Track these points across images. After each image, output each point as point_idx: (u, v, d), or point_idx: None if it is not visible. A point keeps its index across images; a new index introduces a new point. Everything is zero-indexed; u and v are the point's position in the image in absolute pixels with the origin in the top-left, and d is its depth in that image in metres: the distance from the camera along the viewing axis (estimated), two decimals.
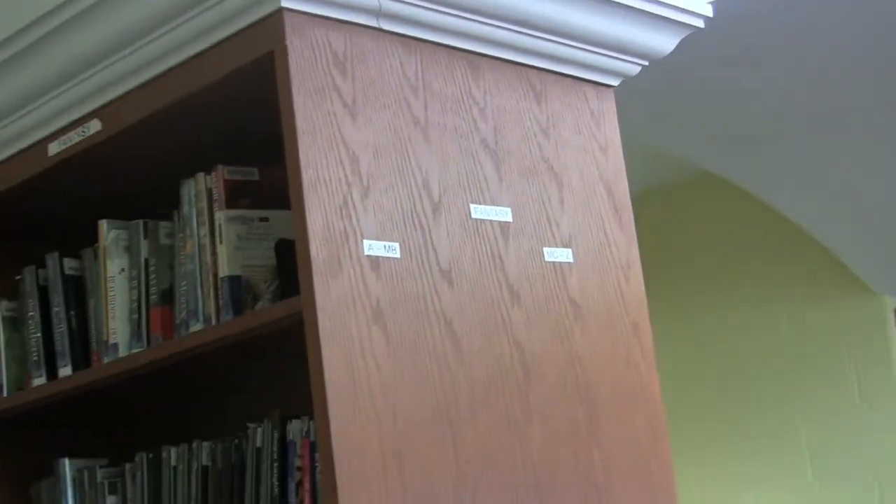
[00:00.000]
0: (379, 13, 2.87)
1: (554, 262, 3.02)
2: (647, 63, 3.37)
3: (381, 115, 2.85)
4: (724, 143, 5.86)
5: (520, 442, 2.85)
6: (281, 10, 2.75)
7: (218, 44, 2.90)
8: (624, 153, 3.27)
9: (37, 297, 3.58)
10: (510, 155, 3.02)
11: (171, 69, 3.00)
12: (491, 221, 2.94)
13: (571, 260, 3.05)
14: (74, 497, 3.47)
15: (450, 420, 2.77)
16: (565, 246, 3.06)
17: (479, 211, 2.94)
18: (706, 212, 7.29)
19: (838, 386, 6.88)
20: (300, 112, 2.72)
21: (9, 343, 3.63)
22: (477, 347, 2.86)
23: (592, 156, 3.16)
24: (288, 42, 2.75)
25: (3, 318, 3.65)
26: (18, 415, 3.51)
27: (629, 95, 3.43)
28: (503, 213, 2.97)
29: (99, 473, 3.43)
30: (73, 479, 3.48)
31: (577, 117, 3.22)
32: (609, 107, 3.32)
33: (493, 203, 2.96)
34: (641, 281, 3.23)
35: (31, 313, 3.58)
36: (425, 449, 2.72)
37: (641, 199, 3.35)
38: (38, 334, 3.55)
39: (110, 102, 3.14)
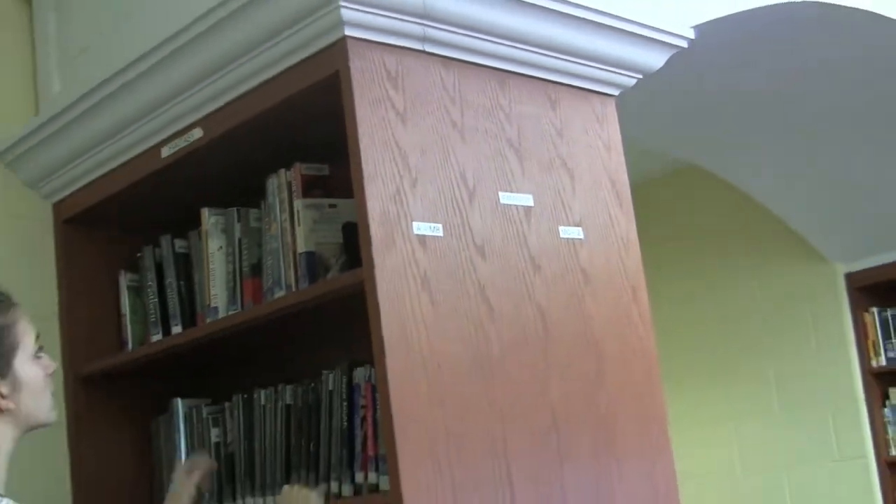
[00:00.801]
0: (424, 39, 2.86)
1: (568, 239, 3.00)
2: (641, 76, 3.34)
3: (425, 120, 2.83)
4: (704, 140, 5.85)
5: (541, 387, 2.82)
6: (345, 37, 2.74)
7: (295, 65, 2.88)
8: (624, 150, 3.25)
9: (154, 271, 3.58)
10: (531, 152, 3.00)
11: (258, 86, 2.98)
12: (516, 206, 2.92)
13: (582, 237, 3.03)
14: (185, 429, 3.46)
15: (483, 369, 2.74)
16: (577, 225, 3.04)
17: (506, 197, 2.92)
18: (691, 198, 7.29)
19: (799, 336, 6.89)
20: (361, 119, 2.71)
21: (132, 307, 3.63)
22: (506, 309, 2.83)
23: (598, 152, 3.14)
24: (350, 63, 2.73)
25: (128, 287, 3.66)
26: (141, 364, 3.51)
27: (628, 102, 3.40)
28: (526, 199, 2.95)
29: (204, 410, 3.42)
30: (185, 416, 3.47)
31: (585, 121, 3.19)
32: (611, 112, 3.30)
33: (518, 191, 2.94)
34: (639, 253, 3.21)
35: (149, 283, 3.58)
36: (464, 392, 2.70)
37: (638, 188, 3.32)
38: (155, 300, 3.55)
39: (210, 114, 3.12)
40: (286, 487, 2.92)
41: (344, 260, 3.02)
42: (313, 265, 3.03)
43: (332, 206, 3.09)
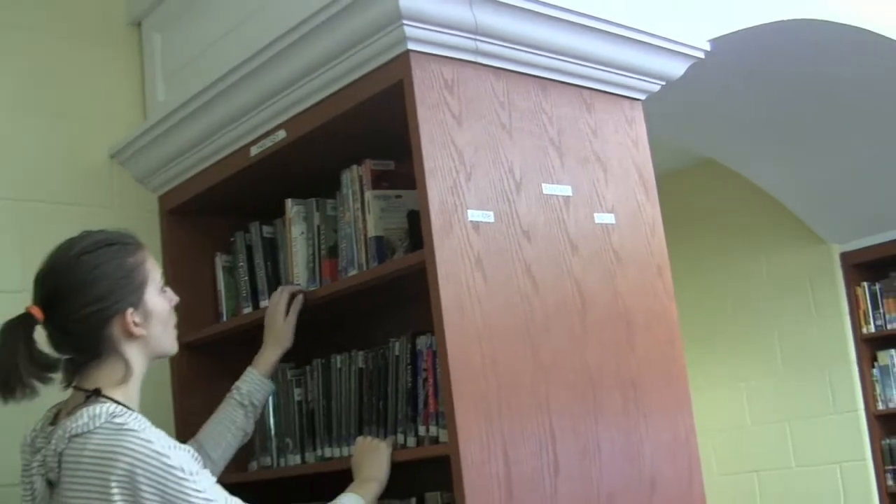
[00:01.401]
0: (476, 51, 2.83)
1: (602, 224, 2.97)
2: (664, 83, 3.30)
3: (478, 122, 2.80)
4: (719, 137, 5.86)
5: (579, 351, 2.79)
6: (408, 51, 2.72)
7: (366, 75, 2.86)
8: (650, 146, 3.22)
9: (245, 253, 3.57)
10: (569, 149, 2.97)
11: (334, 93, 2.96)
12: (557, 196, 2.89)
13: (614, 222, 3.00)
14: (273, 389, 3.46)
15: (529, 336, 2.71)
16: (609, 212, 3.00)
17: (548, 188, 2.89)
18: (708, 187, 7.28)
19: (800, 307, 6.90)
20: (422, 121, 2.68)
21: (226, 284, 3.64)
22: (548, 285, 2.80)
23: (627, 149, 3.11)
24: (413, 73, 2.71)
25: (223, 267, 3.66)
26: (234, 334, 3.51)
27: (654, 105, 3.37)
28: (566, 190, 2.92)
29: (288, 373, 3.41)
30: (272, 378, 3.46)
31: (616, 122, 3.16)
32: (638, 114, 3.25)
33: (558, 183, 2.90)
34: (663, 236, 3.17)
35: (241, 264, 3.58)
36: (512, 356, 2.67)
37: (663, 179, 3.29)
38: (246, 278, 3.54)
39: (292, 117, 3.11)
40: (360, 438, 2.91)
41: (408, 243, 3.00)
42: (381, 248, 3.01)
43: (398, 196, 3.06)
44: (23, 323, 2.42)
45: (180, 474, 2.26)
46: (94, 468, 2.26)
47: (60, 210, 3.51)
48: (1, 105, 3.51)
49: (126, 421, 2.29)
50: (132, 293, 2.46)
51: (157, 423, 3.37)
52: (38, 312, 2.43)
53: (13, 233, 3.42)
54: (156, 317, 2.51)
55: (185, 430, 3.54)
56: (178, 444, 2.34)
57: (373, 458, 2.79)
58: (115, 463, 2.23)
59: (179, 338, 3.42)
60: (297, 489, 3.49)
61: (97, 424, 2.28)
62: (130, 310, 2.45)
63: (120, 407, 2.35)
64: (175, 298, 2.62)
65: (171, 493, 2.24)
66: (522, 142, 2.87)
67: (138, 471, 2.23)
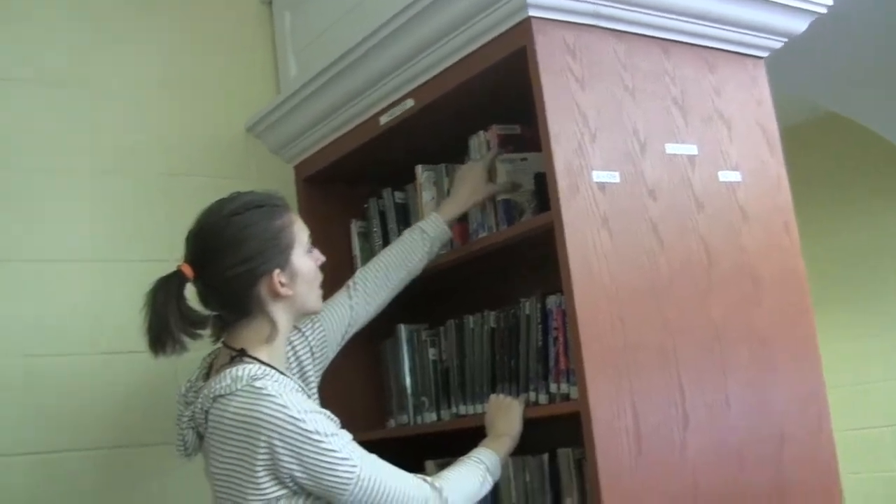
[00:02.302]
0: (597, 15, 2.83)
1: (727, 182, 2.95)
2: (787, 39, 3.25)
3: (601, 85, 2.80)
4: (843, 90, 5.72)
5: (705, 307, 2.79)
6: (530, 18, 2.73)
7: (489, 42, 2.88)
8: (773, 102, 3.18)
9: (378, 219, 3.63)
10: (693, 108, 2.95)
11: (459, 61, 2.99)
12: (681, 155, 2.88)
13: (739, 179, 2.97)
14: (408, 350, 3.52)
15: (656, 293, 2.72)
16: (734, 170, 2.98)
17: (672, 148, 2.87)
18: (833, 142, 7.14)
19: None
20: (545, 86, 2.70)
21: (362, 249, 3.69)
22: (674, 242, 2.80)
23: (750, 106, 3.07)
24: (535, 39, 2.72)
25: (358, 233, 3.72)
26: None
27: (777, 61, 3.32)
28: (690, 149, 2.90)
29: (423, 334, 3.47)
30: (407, 339, 3.52)
31: (739, 80, 3.11)
32: (761, 72, 3.20)
33: (683, 142, 2.89)
34: (788, 192, 3.12)
35: (375, 229, 3.64)
36: (639, 312, 2.68)
37: (787, 134, 3.25)
38: (380, 243, 3.60)
39: (419, 86, 3.15)
40: (493, 396, 2.95)
41: (535, 205, 3.02)
42: (510, 210, 3.05)
43: (524, 159, 3.09)
44: (174, 280, 2.50)
45: (316, 437, 2.32)
46: (236, 432, 2.35)
47: (202, 182, 3.62)
48: (147, 85, 3.63)
49: (265, 385, 2.36)
50: (279, 254, 2.52)
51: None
52: (188, 270, 2.51)
53: (160, 205, 3.53)
54: (301, 277, 2.57)
55: (325, 389, 3.62)
56: (313, 407, 2.41)
57: (505, 415, 2.83)
58: (259, 430, 2.31)
59: None
60: (432, 446, 3.55)
61: (238, 387, 2.36)
62: (277, 271, 2.51)
63: (262, 368, 2.42)
64: (321, 258, 2.67)
65: (308, 455, 2.32)
66: (646, 103, 2.87)
67: (276, 437, 2.30)
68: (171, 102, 3.67)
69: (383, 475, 2.41)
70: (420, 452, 3.45)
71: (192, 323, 2.49)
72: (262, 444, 2.31)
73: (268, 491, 2.34)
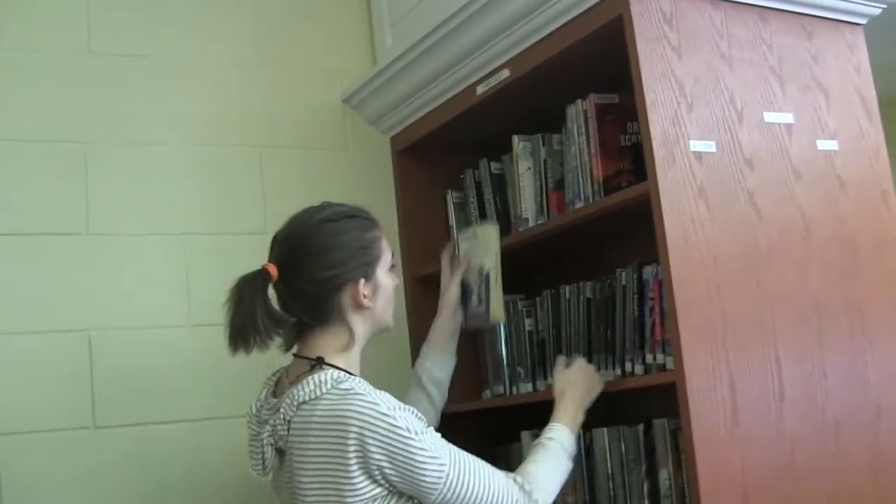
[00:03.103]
0: None
1: (825, 150, 2.91)
2: (886, 6, 3.18)
3: (698, 53, 2.78)
4: None
5: (803, 277, 2.76)
6: None
7: (585, 11, 2.87)
8: (872, 70, 3.13)
9: (474, 189, 3.65)
10: (790, 77, 2.91)
11: (555, 30, 2.99)
12: (779, 124, 2.85)
13: (837, 148, 2.93)
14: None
15: (753, 263, 2.70)
16: (832, 139, 2.94)
17: (770, 117, 2.84)
18: None
19: None
20: (642, 55, 2.68)
21: (458, 220, 3.71)
22: (771, 212, 2.77)
23: (849, 74, 3.02)
24: (631, 8, 2.71)
25: (454, 203, 3.74)
26: None
27: (876, 28, 3.26)
28: (787, 118, 2.87)
29: (519, 304, 3.47)
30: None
31: (837, 48, 3.07)
32: (860, 39, 3.15)
33: (780, 111, 2.86)
34: (887, 161, 3.08)
35: (471, 199, 3.65)
36: (736, 282, 2.66)
37: (887, 103, 3.19)
38: (476, 213, 3.62)
39: (515, 56, 3.15)
40: (560, 358, 2.98)
41: (483, 285, 3.08)
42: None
43: (475, 235, 3.16)
44: (259, 278, 2.51)
45: (406, 434, 2.32)
46: (326, 432, 2.33)
47: (299, 154, 3.66)
48: (243, 58, 3.68)
49: (352, 386, 2.36)
50: (366, 265, 2.54)
51: (394, 350, 3.52)
52: (273, 270, 2.51)
53: (255, 178, 3.58)
54: (382, 292, 2.59)
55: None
56: (402, 405, 2.40)
57: (578, 381, 2.85)
58: (348, 426, 2.30)
59: (415, 272, 3.57)
60: (528, 416, 3.56)
61: (324, 391, 2.36)
62: (363, 280, 2.52)
63: (343, 373, 2.43)
64: (398, 280, 2.72)
65: (398, 452, 2.31)
66: (743, 71, 2.84)
67: (366, 433, 2.29)
68: (267, 75, 3.71)
69: (472, 476, 2.39)
70: (516, 423, 3.47)
71: (277, 321, 2.49)
72: (353, 440, 2.30)
73: (364, 490, 2.33)
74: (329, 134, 3.76)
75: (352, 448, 2.30)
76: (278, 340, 2.56)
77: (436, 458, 2.35)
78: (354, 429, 2.29)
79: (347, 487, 2.32)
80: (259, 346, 2.47)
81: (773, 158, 2.81)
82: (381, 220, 2.68)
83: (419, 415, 2.42)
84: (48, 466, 3.14)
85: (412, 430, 2.34)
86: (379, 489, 2.34)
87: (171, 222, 3.44)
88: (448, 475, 2.36)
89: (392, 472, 2.32)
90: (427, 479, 2.34)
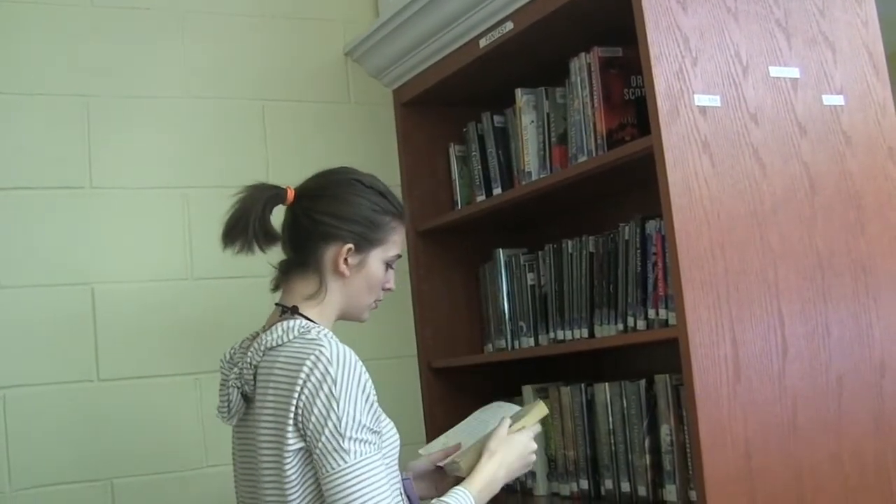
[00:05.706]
0: None
1: (830, 106, 2.86)
2: None
3: (703, 6, 2.72)
4: None
5: (807, 234, 2.73)
6: None
7: None
8: (880, 24, 3.08)
9: (477, 142, 3.63)
10: (797, 30, 2.86)
11: None
12: (784, 78, 2.80)
13: (843, 103, 2.89)
14: (506, 274, 3.52)
15: (757, 219, 2.67)
16: (838, 94, 2.89)
17: (775, 71, 2.79)
18: None
19: None
20: (647, 7, 2.64)
21: (460, 173, 3.70)
22: (776, 168, 2.73)
23: (856, 28, 2.97)
24: None
25: (457, 157, 3.73)
26: (468, 221, 3.58)
27: None
28: (793, 72, 2.82)
29: (521, 258, 3.46)
30: (505, 263, 3.52)
31: (844, 2, 2.98)
32: None
33: (786, 65, 2.81)
34: (894, 117, 3.01)
35: (474, 153, 3.63)
36: (740, 239, 2.63)
37: (894, 58, 3.15)
38: (479, 167, 3.60)
39: (519, 9, 3.11)
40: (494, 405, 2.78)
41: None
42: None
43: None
44: (273, 191, 2.46)
45: (339, 400, 2.18)
46: (283, 379, 2.26)
47: (301, 107, 3.63)
48: (245, 11, 3.63)
49: (318, 336, 2.28)
50: (364, 238, 2.42)
51: (398, 303, 3.52)
52: (291, 194, 2.46)
53: (257, 130, 3.55)
54: (365, 274, 2.44)
55: (424, 314, 3.66)
56: (362, 374, 2.23)
57: (518, 451, 2.47)
58: (299, 373, 2.21)
59: (416, 227, 3.55)
60: (530, 371, 3.55)
61: (290, 337, 2.30)
62: (351, 247, 2.41)
63: (312, 324, 2.37)
64: (391, 283, 2.53)
65: (320, 407, 2.18)
66: (748, 25, 2.79)
67: (311, 380, 2.20)
68: (270, 28, 3.66)
69: (361, 492, 2.15)
70: (517, 377, 3.47)
71: (266, 233, 2.42)
72: (298, 387, 2.21)
73: (291, 443, 2.22)
74: (332, 87, 3.73)
75: (295, 395, 2.21)
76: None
77: (347, 451, 2.17)
78: (303, 376, 2.20)
79: (284, 439, 2.23)
80: (244, 249, 2.40)
81: (778, 113, 2.78)
82: (384, 174, 2.63)
83: (374, 401, 2.24)
84: (52, 419, 3.14)
85: (350, 400, 2.19)
86: (302, 444, 2.22)
87: (174, 176, 3.41)
88: (343, 470, 2.16)
89: (305, 419, 2.20)
90: (326, 460, 2.17)
